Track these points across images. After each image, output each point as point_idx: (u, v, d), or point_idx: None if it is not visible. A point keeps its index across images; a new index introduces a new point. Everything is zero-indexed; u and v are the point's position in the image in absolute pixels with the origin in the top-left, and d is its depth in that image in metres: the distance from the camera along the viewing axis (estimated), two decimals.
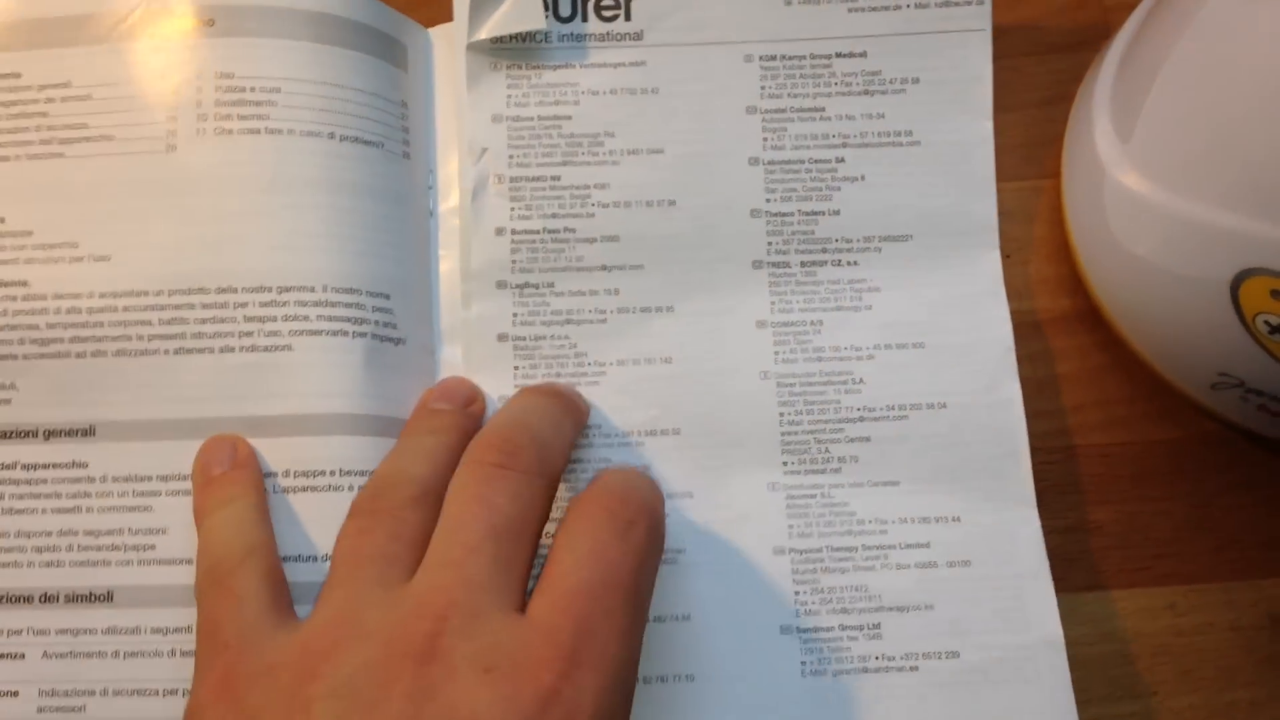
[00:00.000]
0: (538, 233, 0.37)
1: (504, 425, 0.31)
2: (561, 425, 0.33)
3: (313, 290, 0.34)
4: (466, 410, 0.34)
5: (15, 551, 0.33)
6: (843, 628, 0.34)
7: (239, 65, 0.35)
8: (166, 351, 0.34)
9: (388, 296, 0.35)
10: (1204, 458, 0.37)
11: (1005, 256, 0.37)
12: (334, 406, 0.34)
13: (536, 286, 0.37)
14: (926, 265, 0.37)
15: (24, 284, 0.34)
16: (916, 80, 0.37)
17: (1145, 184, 0.32)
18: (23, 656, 0.33)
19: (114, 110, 0.35)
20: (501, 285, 0.37)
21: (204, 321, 0.34)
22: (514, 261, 0.37)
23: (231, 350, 0.34)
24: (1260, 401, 0.33)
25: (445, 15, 0.39)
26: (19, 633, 0.33)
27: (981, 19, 0.37)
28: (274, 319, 0.34)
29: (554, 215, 0.37)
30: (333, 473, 0.33)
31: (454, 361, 0.36)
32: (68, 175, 0.35)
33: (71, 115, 0.35)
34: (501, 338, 0.36)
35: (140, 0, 0.36)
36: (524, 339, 0.36)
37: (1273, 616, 0.35)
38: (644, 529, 0.29)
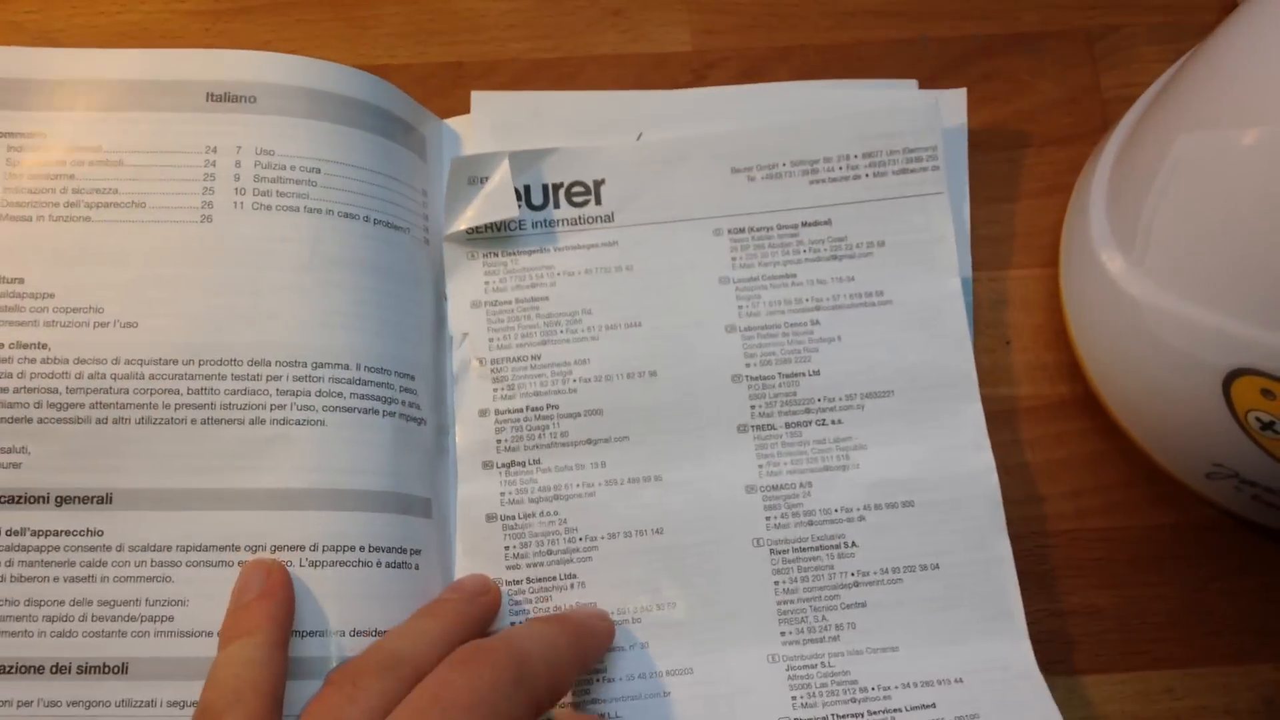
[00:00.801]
0: (521, 411, 0.37)
1: (487, 636, 0.32)
2: (554, 642, 0.32)
3: (347, 368, 0.35)
4: (474, 600, 0.34)
5: (25, 620, 0.32)
6: None
7: (279, 143, 0.36)
8: (194, 421, 0.34)
9: (412, 378, 0.36)
10: (1200, 543, 0.37)
11: (1005, 343, 0.39)
12: (365, 483, 0.34)
13: (523, 464, 0.37)
14: (910, 420, 0.37)
15: (43, 346, 0.34)
16: (882, 243, 0.38)
17: (1140, 282, 0.33)
18: None
19: (148, 178, 0.35)
20: (488, 465, 0.37)
21: (234, 393, 0.34)
22: (499, 441, 0.37)
23: (263, 423, 0.34)
24: (1254, 491, 0.34)
25: (460, 107, 0.40)
26: (29, 704, 0.32)
27: (937, 184, 0.39)
28: (308, 394, 0.34)
29: (536, 393, 0.37)
30: (362, 548, 0.33)
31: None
32: (94, 240, 0.35)
33: (101, 180, 0.35)
34: (490, 518, 0.36)
35: (183, 73, 0.36)
36: (512, 518, 0.36)
37: (1267, 701, 0.36)
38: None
